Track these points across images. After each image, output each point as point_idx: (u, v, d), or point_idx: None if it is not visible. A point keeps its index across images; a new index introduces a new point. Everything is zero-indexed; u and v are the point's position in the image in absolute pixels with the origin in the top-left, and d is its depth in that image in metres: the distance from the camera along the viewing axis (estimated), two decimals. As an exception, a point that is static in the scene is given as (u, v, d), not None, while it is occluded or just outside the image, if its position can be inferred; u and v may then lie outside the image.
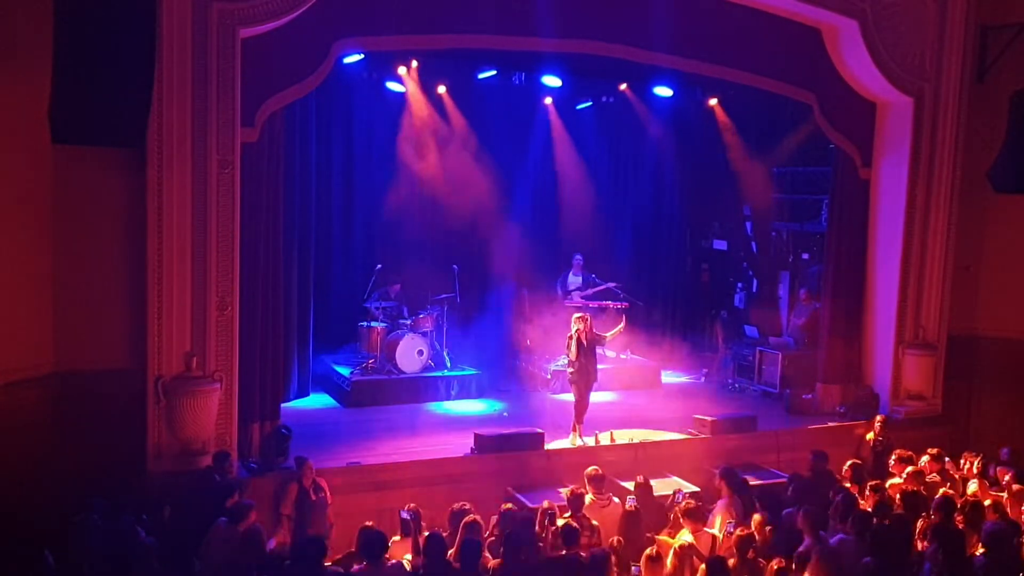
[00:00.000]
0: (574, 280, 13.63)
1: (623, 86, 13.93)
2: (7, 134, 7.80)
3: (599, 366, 13.13)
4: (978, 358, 11.97)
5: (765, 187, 14.93)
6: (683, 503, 7.24)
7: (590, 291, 13.48)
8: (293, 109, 10.08)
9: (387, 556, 6.43)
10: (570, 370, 10.41)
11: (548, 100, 14.29)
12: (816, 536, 6.54)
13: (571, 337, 10.22)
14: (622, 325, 10.95)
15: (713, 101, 14.15)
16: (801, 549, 6.48)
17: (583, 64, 11.98)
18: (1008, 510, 7.57)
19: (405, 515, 7.06)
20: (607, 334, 10.67)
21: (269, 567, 6.40)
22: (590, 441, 10.11)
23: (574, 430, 10.25)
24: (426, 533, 6.66)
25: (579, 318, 10.35)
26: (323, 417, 11.32)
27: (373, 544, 6.30)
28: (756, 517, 7.05)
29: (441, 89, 13.31)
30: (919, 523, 7.22)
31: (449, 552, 6.35)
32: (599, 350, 10.85)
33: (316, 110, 12.04)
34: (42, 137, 6.86)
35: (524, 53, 11.32)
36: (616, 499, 7.88)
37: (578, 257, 13.77)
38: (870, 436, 10.66)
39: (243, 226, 8.76)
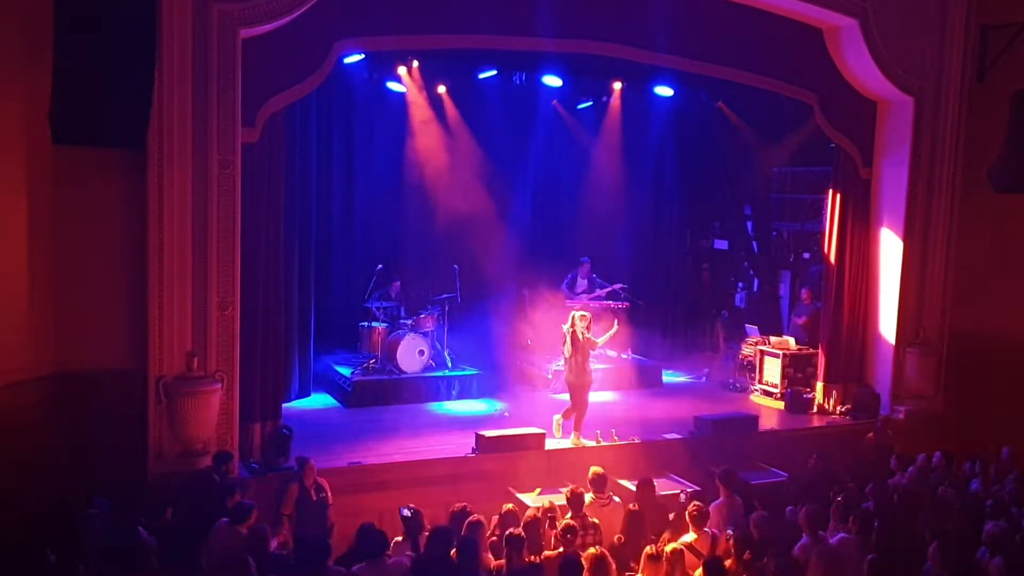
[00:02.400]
0: (581, 283, 13.68)
1: (623, 86, 13.93)
2: (7, 134, 7.80)
3: (598, 366, 13.22)
4: (979, 357, 11.96)
5: (765, 186, 14.93)
6: (691, 506, 7.20)
7: (598, 292, 13.49)
8: (293, 109, 10.08)
9: (388, 555, 6.44)
10: (567, 369, 10.32)
11: (554, 102, 14.28)
12: (815, 535, 6.55)
13: (569, 334, 10.10)
14: (615, 328, 10.69)
15: (718, 102, 14.13)
16: (798, 547, 6.49)
17: (583, 64, 11.98)
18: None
19: (406, 512, 7.06)
20: (600, 339, 10.47)
21: (272, 567, 6.40)
22: (589, 442, 10.09)
23: (576, 429, 10.20)
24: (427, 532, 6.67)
25: (582, 316, 10.22)
26: (324, 417, 11.33)
27: (375, 543, 6.31)
28: (754, 516, 7.02)
29: (441, 89, 13.32)
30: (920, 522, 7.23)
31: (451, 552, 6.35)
32: (598, 350, 10.81)
33: (317, 110, 12.04)
34: (43, 138, 6.86)
35: (524, 53, 11.32)
36: (617, 499, 7.88)
37: (585, 260, 13.80)
38: (871, 436, 10.65)
39: (244, 226, 8.77)
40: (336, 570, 6.24)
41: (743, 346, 13.70)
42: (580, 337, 10.07)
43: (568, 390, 10.45)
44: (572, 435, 10.17)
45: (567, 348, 10.16)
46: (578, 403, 10.23)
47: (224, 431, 8.71)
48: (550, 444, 9.82)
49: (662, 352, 14.26)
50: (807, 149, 13.95)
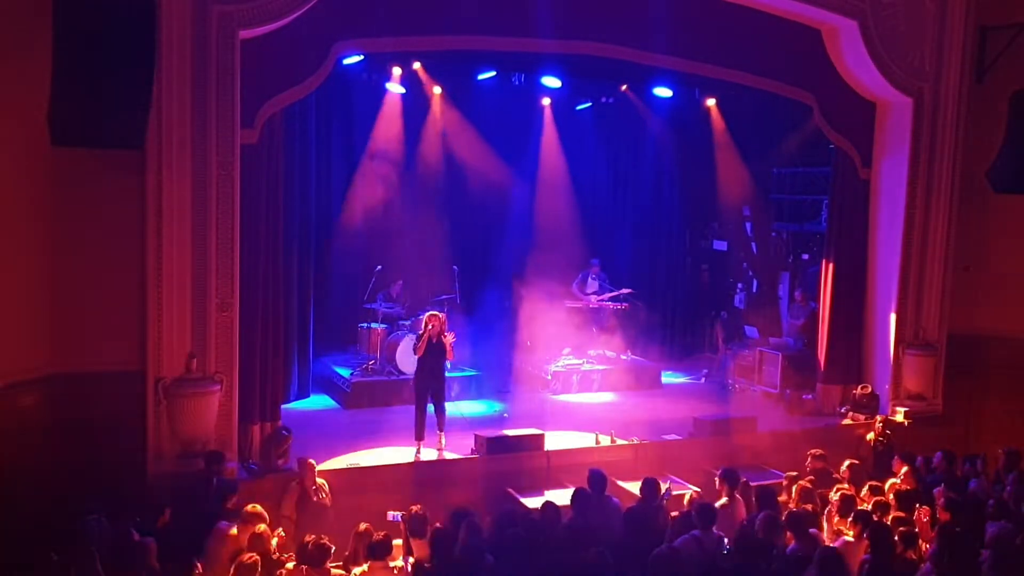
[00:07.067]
0: (592, 284, 13.91)
1: (622, 87, 13.94)
2: (7, 135, 7.79)
3: (598, 367, 13.22)
4: (978, 358, 11.96)
5: (764, 187, 14.93)
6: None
7: (607, 295, 13.74)
8: (293, 110, 10.08)
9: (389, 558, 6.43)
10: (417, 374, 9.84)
11: (546, 101, 14.29)
12: (808, 538, 6.54)
13: (422, 335, 9.75)
14: (451, 338, 9.83)
15: (711, 102, 14.12)
16: (790, 550, 6.49)
17: (582, 65, 11.97)
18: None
19: (395, 518, 7.07)
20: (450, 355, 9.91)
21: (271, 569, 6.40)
22: (430, 454, 9.52)
23: (419, 439, 9.58)
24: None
25: (433, 316, 9.85)
26: (323, 418, 11.32)
27: (375, 545, 6.31)
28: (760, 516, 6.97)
29: (440, 90, 13.32)
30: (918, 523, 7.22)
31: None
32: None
33: (316, 111, 12.04)
34: (42, 138, 6.85)
35: (523, 54, 11.30)
36: (616, 499, 7.88)
37: (595, 261, 14.07)
38: (870, 436, 10.65)
39: (243, 227, 8.76)
40: (336, 572, 6.25)
41: (742, 347, 13.70)
42: (433, 338, 9.66)
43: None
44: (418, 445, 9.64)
45: (419, 350, 9.69)
46: (423, 408, 9.69)
47: (223, 432, 8.70)
48: (550, 444, 9.82)
49: (661, 353, 14.26)
50: (806, 150, 13.95)
